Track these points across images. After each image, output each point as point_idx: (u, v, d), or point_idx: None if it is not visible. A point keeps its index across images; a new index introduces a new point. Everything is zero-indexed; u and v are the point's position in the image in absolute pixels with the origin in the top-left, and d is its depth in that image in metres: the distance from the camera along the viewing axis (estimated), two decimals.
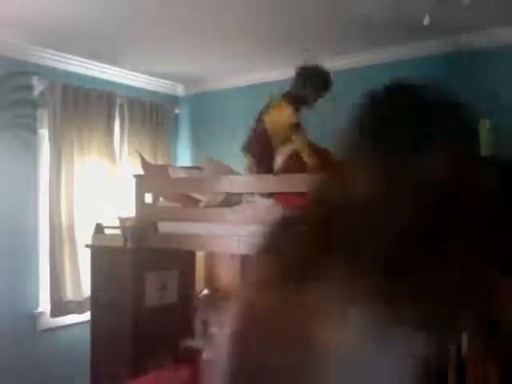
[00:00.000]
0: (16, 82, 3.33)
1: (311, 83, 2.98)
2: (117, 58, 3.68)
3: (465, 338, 2.03)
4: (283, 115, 2.94)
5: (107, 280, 3.22)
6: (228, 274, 4.05)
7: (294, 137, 2.93)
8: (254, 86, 3.96)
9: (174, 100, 4.46)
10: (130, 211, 3.35)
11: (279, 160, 2.91)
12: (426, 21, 2.09)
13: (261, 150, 2.99)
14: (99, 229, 3.37)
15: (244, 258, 2.33)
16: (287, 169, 2.80)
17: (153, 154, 4.09)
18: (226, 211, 2.83)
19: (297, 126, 2.95)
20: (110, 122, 3.79)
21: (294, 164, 2.81)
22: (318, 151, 2.83)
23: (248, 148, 3.07)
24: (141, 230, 3.17)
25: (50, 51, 3.46)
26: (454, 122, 0.86)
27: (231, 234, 2.82)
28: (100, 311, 3.27)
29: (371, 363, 0.83)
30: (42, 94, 3.42)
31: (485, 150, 2.45)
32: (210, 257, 4.14)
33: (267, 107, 3.03)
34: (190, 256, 3.51)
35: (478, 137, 1.00)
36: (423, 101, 0.85)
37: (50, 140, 3.44)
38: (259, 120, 3.03)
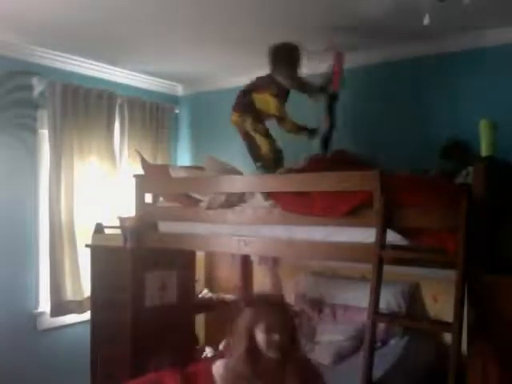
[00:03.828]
0: (16, 81, 3.33)
1: (281, 58, 3.00)
2: (117, 58, 3.68)
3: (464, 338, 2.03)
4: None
5: (107, 280, 3.22)
6: (228, 274, 4.05)
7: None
8: None
9: (173, 100, 4.46)
10: (130, 211, 3.35)
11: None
12: (426, 20, 2.08)
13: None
14: (99, 229, 3.38)
15: None
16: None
17: (153, 153, 4.09)
18: (226, 212, 2.83)
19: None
20: (110, 122, 3.79)
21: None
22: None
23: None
24: (141, 230, 3.17)
25: (50, 51, 3.46)
26: None
27: (231, 234, 2.82)
28: (100, 311, 3.27)
29: None
30: (41, 94, 3.41)
31: (485, 150, 2.46)
32: (210, 257, 4.15)
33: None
34: (190, 256, 3.51)
35: None
36: None
37: (49, 140, 3.44)
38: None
